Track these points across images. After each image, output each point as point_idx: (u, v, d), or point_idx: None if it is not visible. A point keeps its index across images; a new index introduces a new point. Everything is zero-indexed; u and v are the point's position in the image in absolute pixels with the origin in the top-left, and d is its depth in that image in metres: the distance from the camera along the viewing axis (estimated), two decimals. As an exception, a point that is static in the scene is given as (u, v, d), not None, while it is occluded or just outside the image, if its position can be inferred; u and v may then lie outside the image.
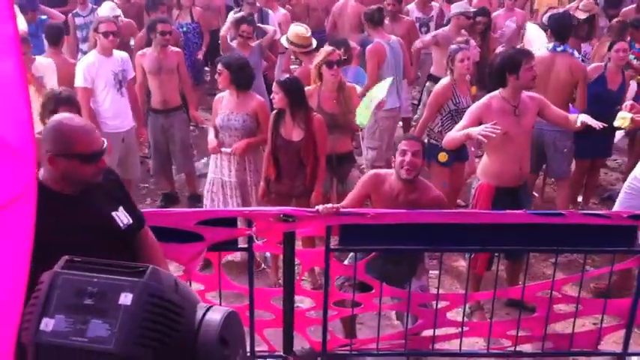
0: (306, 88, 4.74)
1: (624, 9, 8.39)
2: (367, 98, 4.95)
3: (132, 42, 7.44)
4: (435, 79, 6.12)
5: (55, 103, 3.94)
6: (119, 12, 7.33)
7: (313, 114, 4.60)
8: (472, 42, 6.01)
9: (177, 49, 6.23)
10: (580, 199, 6.04)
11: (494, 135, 3.80)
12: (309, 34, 5.96)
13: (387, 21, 7.07)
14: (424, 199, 3.74)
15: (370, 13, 6.37)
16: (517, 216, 3.50)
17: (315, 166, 4.59)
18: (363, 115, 4.84)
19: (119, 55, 5.64)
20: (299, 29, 5.95)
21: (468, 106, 4.92)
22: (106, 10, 7.09)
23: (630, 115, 4.21)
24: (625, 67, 5.84)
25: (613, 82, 5.47)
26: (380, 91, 4.97)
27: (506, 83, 4.16)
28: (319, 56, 4.93)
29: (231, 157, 4.91)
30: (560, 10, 7.04)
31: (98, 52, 5.47)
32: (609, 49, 5.51)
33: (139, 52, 6.06)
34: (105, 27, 5.42)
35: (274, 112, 4.71)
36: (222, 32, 6.70)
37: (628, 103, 4.28)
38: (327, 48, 5.10)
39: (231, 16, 7.27)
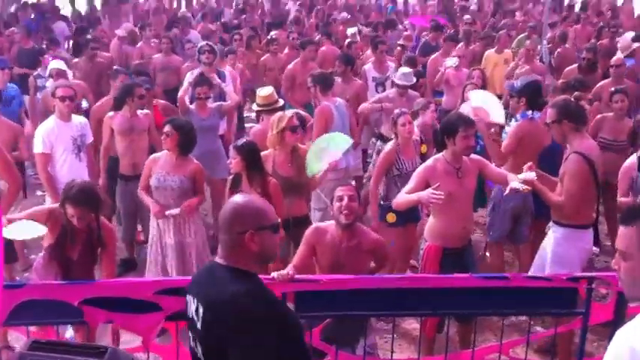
0: (262, 153, 4.96)
1: (566, 69, 8.88)
2: (317, 147, 5.16)
3: (84, 103, 7.60)
4: (384, 139, 6.44)
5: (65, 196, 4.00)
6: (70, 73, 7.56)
7: (269, 178, 4.82)
8: (432, 106, 6.32)
9: (147, 112, 6.33)
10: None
11: (440, 202, 4.09)
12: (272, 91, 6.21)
13: (339, 80, 7.39)
14: (365, 243, 4.02)
15: (321, 77, 6.60)
16: (464, 280, 3.74)
17: (272, 231, 4.77)
18: (314, 165, 5.06)
19: (78, 119, 5.82)
20: (266, 91, 6.18)
21: (415, 169, 5.21)
22: (56, 64, 7.32)
23: (521, 176, 4.38)
24: None
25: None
26: (337, 145, 5.18)
27: (446, 146, 4.48)
28: (280, 122, 5.11)
29: (172, 219, 5.06)
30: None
31: (57, 117, 5.64)
32: None
33: (109, 114, 6.12)
34: (62, 92, 5.60)
35: (231, 176, 4.93)
36: (180, 93, 6.86)
37: (529, 163, 4.52)
38: (287, 113, 5.32)
39: (189, 77, 7.45)
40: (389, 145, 5.56)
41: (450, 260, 4.41)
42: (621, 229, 2.11)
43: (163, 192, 5.05)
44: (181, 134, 5.04)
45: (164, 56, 9.38)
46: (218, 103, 7.06)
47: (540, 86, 6.28)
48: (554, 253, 4.57)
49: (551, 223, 4.73)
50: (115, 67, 8.14)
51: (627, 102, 6.33)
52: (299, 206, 5.20)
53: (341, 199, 3.96)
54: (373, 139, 7.30)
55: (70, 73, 7.63)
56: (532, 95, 5.77)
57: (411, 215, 5.42)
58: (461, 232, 4.52)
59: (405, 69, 7.41)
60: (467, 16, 13.19)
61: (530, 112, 5.64)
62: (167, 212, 5.01)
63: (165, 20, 13.60)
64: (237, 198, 2.53)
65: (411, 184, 4.47)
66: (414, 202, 4.45)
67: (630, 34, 10.08)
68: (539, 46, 10.50)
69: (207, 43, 8.09)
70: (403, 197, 4.46)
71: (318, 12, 14.97)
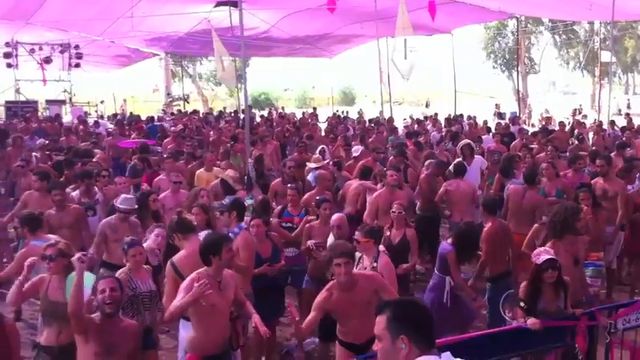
0: (39, 276, 5.24)
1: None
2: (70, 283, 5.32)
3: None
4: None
5: None
6: None
7: (6, 319, 4.77)
8: (160, 229, 6.75)
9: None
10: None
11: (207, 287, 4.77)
12: None
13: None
14: (122, 328, 4.76)
15: (29, 219, 6.85)
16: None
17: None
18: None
19: None
20: None
21: (150, 290, 5.76)
22: None
23: None
24: None
25: None
26: (88, 280, 5.37)
27: (211, 263, 5.08)
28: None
29: None
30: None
31: None
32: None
33: None
34: None
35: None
36: None
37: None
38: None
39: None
40: (120, 270, 5.85)
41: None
42: (377, 318, 2.73)
43: None
44: None
45: None
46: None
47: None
48: None
49: None
50: None
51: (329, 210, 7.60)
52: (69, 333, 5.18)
53: (103, 291, 4.64)
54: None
55: None
56: (239, 209, 6.79)
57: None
58: (220, 341, 5.16)
59: (127, 195, 7.78)
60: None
61: (243, 223, 6.66)
62: None
63: None
64: None
65: (180, 295, 4.96)
66: (191, 303, 4.89)
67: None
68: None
69: None
70: (177, 304, 4.91)
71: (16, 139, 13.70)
